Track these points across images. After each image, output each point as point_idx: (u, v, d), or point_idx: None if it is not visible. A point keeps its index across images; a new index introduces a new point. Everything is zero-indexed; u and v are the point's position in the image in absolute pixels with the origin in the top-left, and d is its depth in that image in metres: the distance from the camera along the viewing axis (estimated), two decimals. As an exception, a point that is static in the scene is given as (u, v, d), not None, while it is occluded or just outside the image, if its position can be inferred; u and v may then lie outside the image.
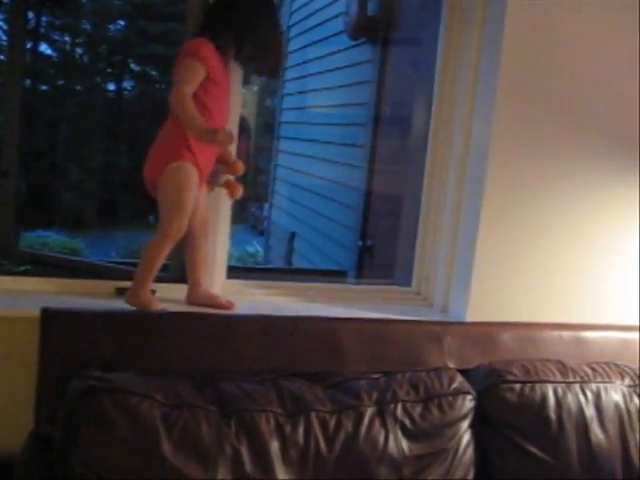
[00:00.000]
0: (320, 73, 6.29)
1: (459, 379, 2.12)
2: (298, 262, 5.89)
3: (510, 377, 2.15)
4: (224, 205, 2.36)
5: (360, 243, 4.09)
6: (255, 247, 7.75)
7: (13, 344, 2.10)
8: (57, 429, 1.82)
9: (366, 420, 1.96)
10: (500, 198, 2.42)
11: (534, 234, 2.47)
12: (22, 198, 3.59)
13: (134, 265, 2.32)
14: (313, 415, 1.94)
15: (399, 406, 2.01)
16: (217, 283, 2.36)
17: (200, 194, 2.19)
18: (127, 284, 2.31)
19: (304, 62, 6.71)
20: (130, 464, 1.75)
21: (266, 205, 8.22)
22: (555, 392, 2.17)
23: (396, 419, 1.99)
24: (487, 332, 2.34)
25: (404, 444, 1.97)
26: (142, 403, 1.80)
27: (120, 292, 2.30)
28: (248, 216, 9.07)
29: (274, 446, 1.87)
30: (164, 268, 2.42)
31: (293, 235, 6.03)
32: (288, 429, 1.90)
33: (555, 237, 2.49)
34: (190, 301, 2.26)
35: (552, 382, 2.19)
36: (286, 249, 6.08)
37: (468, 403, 2.08)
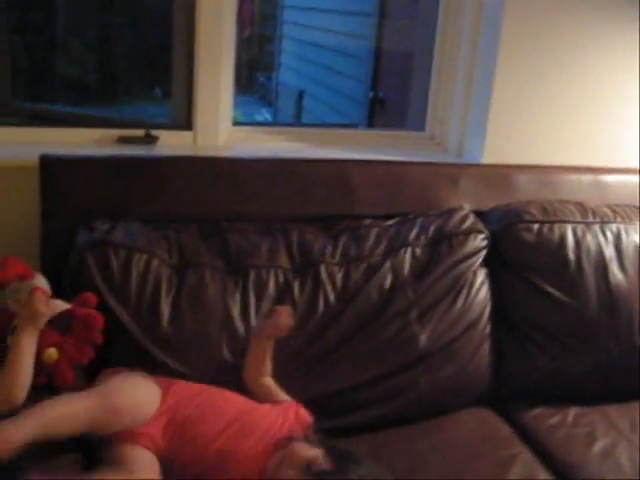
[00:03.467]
0: None
1: (471, 219, 2.06)
2: (308, 121, 5.74)
3: (528, 217, 2.08)
4: (229, 41, 2.23)
5: (371, 95, 3.93)
6: (264, 116, 7.59)
7: (14, 196, 2.05)
8: (64, 281, 1.78)
9: (374, 269, 1.92)
10: (517, 37, 2.27)
11: (553, 74, 2.34)
12: (24, 74, 3.48)
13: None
14: (322, 268, 1.89)
15: (408, 250, 1.96)
16: (222, 130, 2.27)
17: None
18: (131, 132, 2.23)
19: None
20: (135, 320, 1.72)
21: (274, 74, 7.99)
22: (574, 232, 2.10)
23: (404, 263, 1.94)
24: (504, 174, 2.26)
25: (411, 287, 1.92)
26: (149, 261, 1.76)
27: (123, 141, 2.22)
28: (256, 87, 8.88)
29: (283, 302, 1.82)
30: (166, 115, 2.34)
31: (302, 93, 5.84)
32: (297, 285, 1.86)
33: (575, 77, 2.37)
34: None
35: (571, 222, 2.12)
36: (295, 109, 5.91)
37: (480, 242, 2.03)
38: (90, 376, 1.64)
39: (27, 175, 1.99)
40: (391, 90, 3.74)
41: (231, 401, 1.64)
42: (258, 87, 8.87)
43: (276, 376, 1.75)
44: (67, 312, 1.63)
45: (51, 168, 1.91)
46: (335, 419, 1.78)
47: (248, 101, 7.68)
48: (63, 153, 1.98)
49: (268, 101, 8.56)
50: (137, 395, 1.55)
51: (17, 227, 2.03)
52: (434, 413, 1.90)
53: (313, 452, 1.49)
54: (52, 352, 1.57)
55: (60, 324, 1.61)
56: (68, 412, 1.41)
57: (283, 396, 1.73)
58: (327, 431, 1.59)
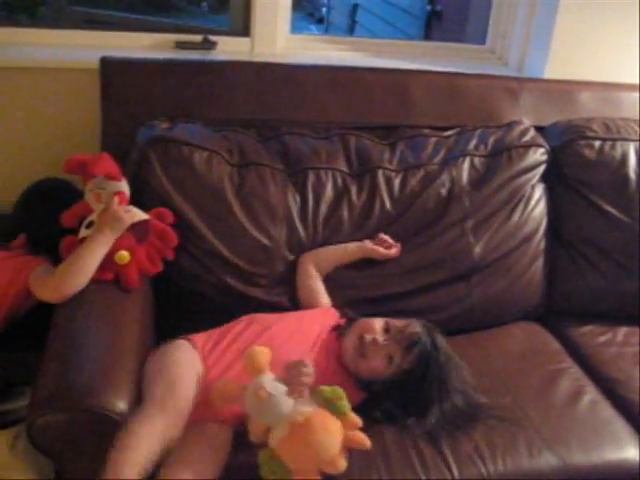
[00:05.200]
0: None
1: (531, 132, 2.03)
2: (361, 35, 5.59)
3: (589, 133, 2.04)
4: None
5: (428, 8, 3.80)
6: (313, 32, 7.47)
7: (75, 97, 2.07)
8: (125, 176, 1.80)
9: (432, 177, 1.91)
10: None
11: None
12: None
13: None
14: (379, 173, 1.89)
15: (466, 160, 1.95)
16: (280, 37, 2.25)
17: None
18: (188, 37, 2.22)
19: None
20: (198, 216, 1.74)
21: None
22: (637, 151, 2.05)
23: (462, 172, 1.93)
24: (566, 90, 2.20)
25: (468, 197, 1.91)
26: (211, 158, 1.78)
27: (179, 46, 2.21)
28: (304, 3, 8.69)
29: (340, 204, 1.85)
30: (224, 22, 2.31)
31: (355, 7, 5.68)
32: (354, 188, 1.87)
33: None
34: None
35: (634, 140, 2.06)
36: (348, 23, 5.77)
37: (539, 156, 2.00)
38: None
39: (87, 77, 2.01)
40: (450, 3, 3.62)
41: (279, 325, 1.62)
42: (306, 3, 8.68)
43: (328, 278, 1.78)
44: (144, 222, 1.65)
45: (112, 70, 1.93)
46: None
47: (296, 17, 7.52)
48: (123, 55, 1.98)
49: (317, 18, 8.37)
50: (187, 387, 1.42)
51: (77, 128, 2.06)
52: (484, 325, 1.92)
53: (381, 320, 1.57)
54: (124, 255, 1.61)
55: (136, 231, 1.64)
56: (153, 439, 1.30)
57: (324, 299, 1.76)
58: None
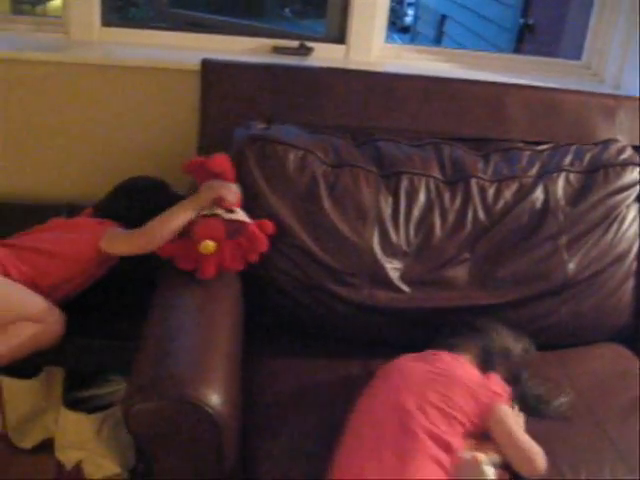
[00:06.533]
0: None
1: (629, 151, 1.99)
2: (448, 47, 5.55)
3: (690, 159, 1.99)
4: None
5: (521, 21, 3.76)
6: (396, 41, 7.48)
7: (174, 97, 2.14)
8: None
9: (527, 190, 1.90)
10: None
11: None
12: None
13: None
14: (473, 182, 1.89)
15: (562, 175, 1.92)
16: (375, 46, 2.27)
17: None
18: (283, 42, 2.27)
19: None
20: (293, 215, 1.77)
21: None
22: None
23: (557, 187, 1.91)
24: (665, 110, 2.15)
25: (563, 212, 1.89)
26: (305, 157, 1.81)
27: (277, 51, 2.26)
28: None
29: (432, 210, 1.86)
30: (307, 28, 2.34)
31: (444, 18, 5.63)
32: (447, 195, 1.88)
33: None
34: None
35: None
36: (435, 33, 5.73)
37: (637, 175, 1.96)
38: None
39: (187, 78, 2.07)
40: (544, 17, 3.57)
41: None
42: (389, 11, 8.64)
43: (414, 281, 1.79)
44: (242, 223, 1.69)
45: (213, 72, 1.99)
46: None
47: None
48: (223, 58, 2.04)
49: (399, 26, 8.34)
50: None
51: (175, 126, 2.13)
52: (570, 342, 1.89)
53: None
54: (209, 245, 1.64)
55: (231, 228, 1.68)
56: None
57: None
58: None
